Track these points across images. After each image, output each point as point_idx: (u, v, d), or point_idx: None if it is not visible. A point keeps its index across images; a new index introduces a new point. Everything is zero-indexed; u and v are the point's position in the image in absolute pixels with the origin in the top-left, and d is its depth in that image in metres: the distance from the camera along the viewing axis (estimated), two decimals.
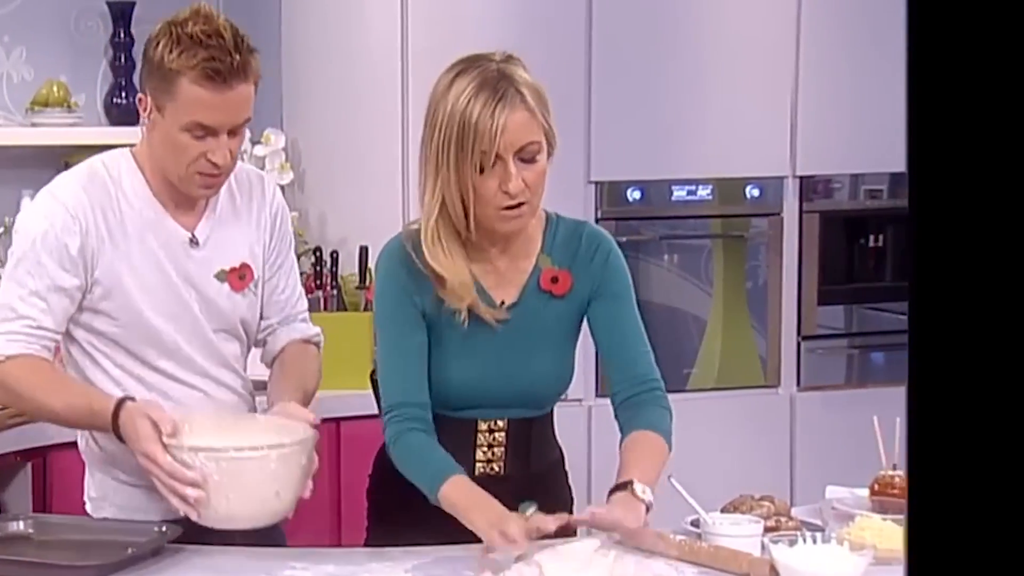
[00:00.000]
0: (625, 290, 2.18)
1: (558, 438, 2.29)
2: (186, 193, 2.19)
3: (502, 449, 2.16)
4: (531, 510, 1.97)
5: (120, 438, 2.06)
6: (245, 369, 2.32)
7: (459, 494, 2.02)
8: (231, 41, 2.08)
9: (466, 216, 2.04)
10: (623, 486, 2.02)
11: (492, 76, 2.01)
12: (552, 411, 2.25)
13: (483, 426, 2.15)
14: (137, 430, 2.01)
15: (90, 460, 2.27)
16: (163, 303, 2.18)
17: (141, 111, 2.16)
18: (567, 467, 2.31)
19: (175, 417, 2.03)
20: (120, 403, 2.06)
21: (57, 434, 2.71)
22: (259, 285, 2.28)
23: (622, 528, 2.00)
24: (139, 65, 2.23)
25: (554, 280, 2.14)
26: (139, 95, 2.17)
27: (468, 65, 2.04)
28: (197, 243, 2.21)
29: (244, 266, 2.24)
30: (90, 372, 2.20)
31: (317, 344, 2.37)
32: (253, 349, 2.36)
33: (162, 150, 2.14)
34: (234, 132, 2.12)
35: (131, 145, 2.26)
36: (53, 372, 2.17)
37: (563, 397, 2.27)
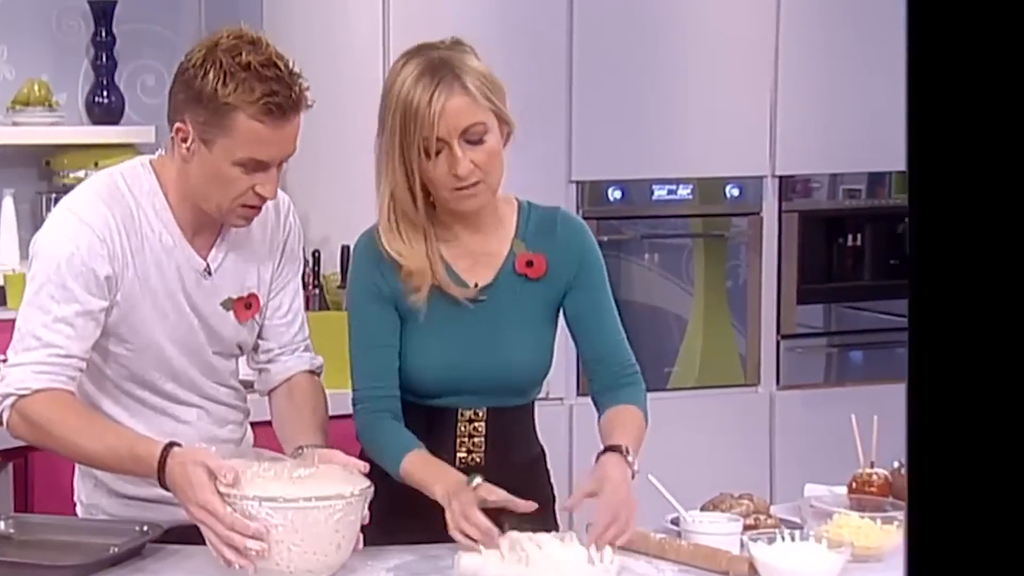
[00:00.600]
0: (601, 279, 2.21)
1: (539, 436, 2.30)
2: (224, 223, 2.11)
3: (482, 439, 2.17)
4: (476, 480, 2.00)
5: (164, 485, 1.95)
6: (238, 378, 2.30)
7: (418, 467, 2.05)
8: (286, 71, 2.00)
9: (414, 201, 2.08)
10: (613, 448, 2.06)
11: (433, 62, 2.04)
12: (532, 406, 2.25)
13: (463, 416, 2.16)
14: (190, 479, 1.90)
15: (82, 468, 2.22)
16: (174, 328, 2.12)
17: (177, 139, 2.04)
18: (548, 465, 2.32)
19: (234, 465, 1.92)
20: (167, 449, 1.95)
21: None
22: (262, 313, 2.23)
23: (607, 487, 2.00)
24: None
25: (529, 264, 2.16)
26: (177, 124, 2.03)
27: (414, 53, 2.07)
28: (210, 273, 2.14)
29: (251, 296, 2.18)
30: (90, 390, 2.14)
31: (320, 374, 2.32)
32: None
33: (205, 182, 2.04)
34: (281, 164, 2.06)
35: (116, 145, 2.22)
36: (86, 411, 2.08)
37: (545, 395, 2.28)
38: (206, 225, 2.13)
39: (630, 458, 2.05)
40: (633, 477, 2.05)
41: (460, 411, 2.16)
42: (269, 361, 2.25)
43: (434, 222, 2.13)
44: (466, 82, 2.03)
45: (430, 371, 2.14)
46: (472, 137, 2.04)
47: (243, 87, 1.97)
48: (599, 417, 2.18)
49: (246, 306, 2.17)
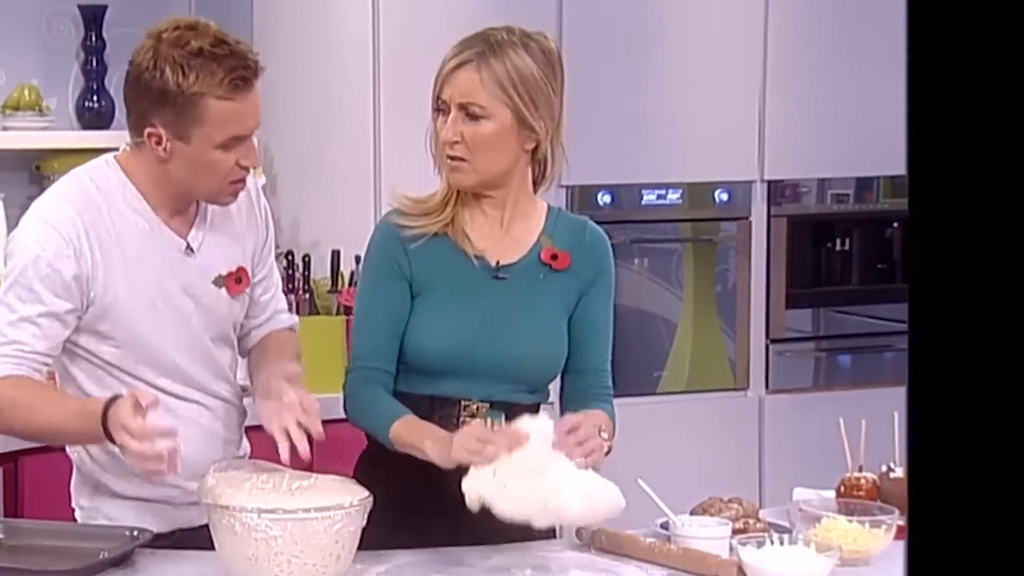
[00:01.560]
0: (610, 298, 2.26)
1: None
2: (217, 203, 2.15)
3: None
4: (500, 419, 2.01)
5: (111, 438, 1.97)
6: (235, 376, 2.31)
7: (408, 429, 2.07)
8: (236, 44, 2.04)
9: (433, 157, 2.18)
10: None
11: (482, 36, 2.14)
12: (538, 407, 2.24)
13: (466, 408, 2.15)
14: (118, 410, 1.95)
15: (83, 472, 2.22)
16: (162, 318, 2.13)
17: (150, 144, 2.05)
18: None
19: (232, 477, 1.96)
20: (112, 399, 1.99)
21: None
22: (252, 287, 2.27)
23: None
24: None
25: (554, 257, 2.20)
26: (147, 130, 2.05)
27: (482, 30, 2.17)
28: (192, 251, 2.16)
29: (240, 269, 2.21)
30: (91, 391, 2.14)
31: (296, 331, 2.39)
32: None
33: (191, 174, 2.07)
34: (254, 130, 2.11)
35: (107, 150, 2.22)
36: (47, 388, 2.12)
37: (548, 402, 2.28)
38: (182, 208, 2.16)
39: (603, 435, 2.06)
40: (609, 439, 2.08)
41: (463, 403, 2.16)
42: (251, 330, 2.32)
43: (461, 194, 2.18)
44: (491, 64, 2.10)
45: (439, 345, 2.14)
46: (469, 113, 2.10)
47: (204, 73, 2.00)
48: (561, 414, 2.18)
49: (236, 280, 2.21)
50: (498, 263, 2.18)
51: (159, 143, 2.05)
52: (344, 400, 2.19)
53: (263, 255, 2.29)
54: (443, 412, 2.15)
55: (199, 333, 2.18)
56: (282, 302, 2.37)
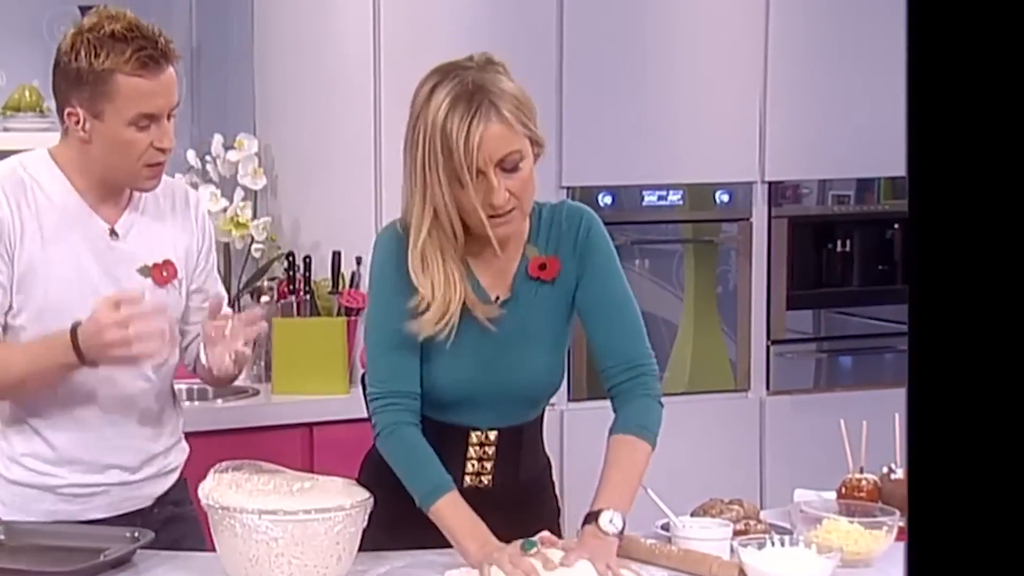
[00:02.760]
0: (608, 268, 2.14)
1: (546, 445, 2.29)
2: (135, 188, 2.23)
3: (491, 463, 2.14)
4: (535, 548, 1.95)
5: (80, 352, 2.05)
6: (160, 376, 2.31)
7: (453, 515, 2.01)
8: (148, 29, 2.15)
9: (453, 226, 2.04)
10: (592, 517, 2.01)
11: (467, 89, 1.98)
12: (542, 416, 2.24)
13: (474, 439, 2.13)
14: (93, 314, 2.04)
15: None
16: (78, 298, 2.16)
17: (71, 124, 2.16)
18: (554, 476, 2.31)
19: (234, 479, 2.00)
20: (75, 324, 2.08)
21: None
22: (183, 284, 2.30)
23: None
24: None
25: (542, 267, 2.13)
26: (67, 111, 2.16)
27: (444, 76, 2.01)
28: (117, 235, 2.23)
29: (167, 262, 2.27)
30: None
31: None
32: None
33: (108, 152, 2.16)
34: (170, 115, 2.19)
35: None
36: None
37: (551, 404, 2.27)
38: (110, 195, 2.23)
39: (610, 524, 1.99)
40: (620, 538, 2.00)
41: (471, 432, 2.13)
42: (188, 337, 2.35)
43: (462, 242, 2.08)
44: (502, 109, 1.98)
45: (447, 387, 2.11)
46: (508, 165, 2.00)
47: (114, 51, 2.12)
48: (611, 426, 2.12)
49: (163, 272, 2.26)
50: (497, 298, 2.12)
51: (78, 123, 2.16)
52: (378, 439, 2.11)
53: (200, 262, 2.33)
54: (452, 439, 2.13)
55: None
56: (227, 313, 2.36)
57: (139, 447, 2.27)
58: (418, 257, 2.05)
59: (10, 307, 2.18)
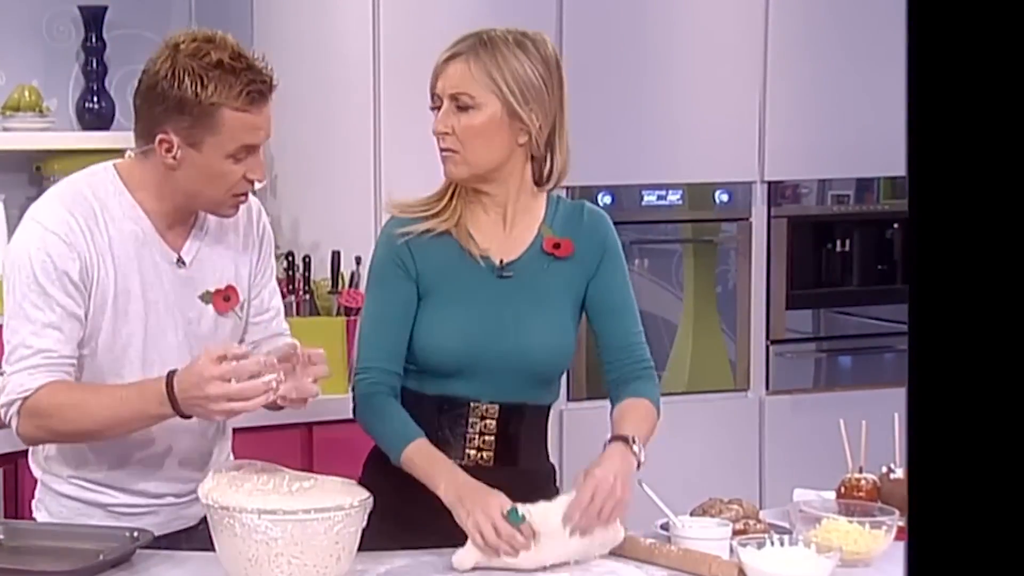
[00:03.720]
0: (623, 273, 2.27)
1: (549, 451, 2.30)
2: (218, 215, 2.17)
3: (492, 438, 2.17)
4: (524, 518, 1.99)
5: (176, 404, 1.98)
6: None
7: (423, 457, 2.09)
8: (254, 59, 2.09)
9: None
10: (620, 438, 2.10)
11: (476, 34, 2.17)
12: (547, 415, 2.26)
13: (475, 410, 2.17)
14: (193, 367, 1.97)
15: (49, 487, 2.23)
16: (145, 329, 2.13)
17: (160, 150, 2.08)
18: (558, 483, 2.32)
19: (234, 477, 1.98)
20: (171, 373, 2.01)
21: None
22: (244, 308, 2.25)
23: (595, 472, 2.04)
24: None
25: (556, 246, 2.21)
26: (159, 137, 2.07)
27: (487, 29, 2.20)
28: (184, 263, 2.17)
29: (229, 288, 2.20)
30: None
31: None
32: None
33: (199, 182, 2.09)
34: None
35: (107, 150, 2.23)
36: (88, 386, 2.11)
37: (556, 403, 2.29)
38: (178, 221, 2.17)
39: (635, 447, 2.09)
40: (639, 467, 2.08)
41: (472, 404, 2.16)
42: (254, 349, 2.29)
43: (463, 192, 2.20)
44: (480, 56, 2.14)
45: (448, 346, 2.15)
46: (460, 104, 2.13)
47: (222, 85, 2.04)
48: (611, 409, 2.21)
49: (224, 298, 2.20)
50: (502, 261, 2.19)
51: (170, 150, 2.08)
52: (354, 407, 2.20)
53: (261, 276, 2.28)
54: (452, 412, 2.16)
55: (182, 351, 2.15)
56: (285, 328, 2.34)
57: (189, 476, 2.23)
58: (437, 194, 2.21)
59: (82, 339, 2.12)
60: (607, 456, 2.08)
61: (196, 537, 2.21)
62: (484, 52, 2.14)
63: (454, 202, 2.19)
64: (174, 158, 2.08)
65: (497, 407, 2.17)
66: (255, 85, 2.06)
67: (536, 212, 2.23)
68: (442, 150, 2.16)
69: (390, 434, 2.13)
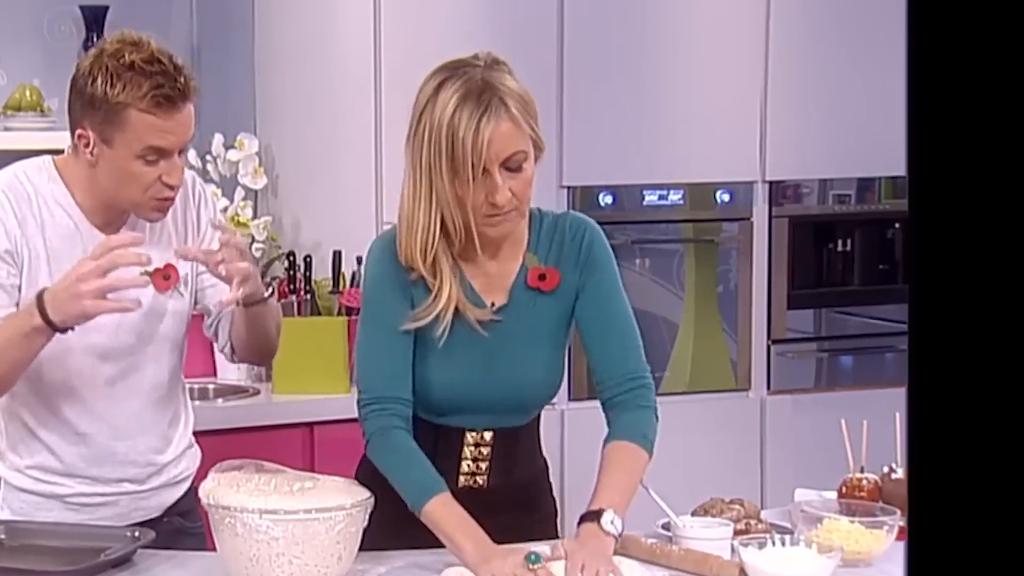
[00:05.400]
0: (610, 283, 2.14)
1: (543, 446, 2.29)
2: (142, 218, 2.19)
3: (487, 464, 2.14)
4: (538, 562, 1.93)
5: (47, 316, 2.00)
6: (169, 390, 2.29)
7: (446, 515, 2.00)
8: (170, 64, 2.11)
9: (455, 225, 2.03)
10: (592, 516, 2.00)
11: (476, 86, 1.98)
12: (538, 418, 2.23)
13: (469, 439, 2.13)
14: (67, 273, 2.01)
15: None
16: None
17: (80, 146, 2.13)
18: (551, 477, 2.31)
19: (233, 477, 1.98)
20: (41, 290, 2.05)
21: None
22: (190, 285, 2.27)
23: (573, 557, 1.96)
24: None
25: (541, 277, 2.12)
26: (78, 132, 2.13)
27: (452, 73, 2.01)
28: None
29: (168, 266, 2.19)
30: (15, 409, 2.20)
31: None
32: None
33: (113, 181, 2.13)
34: (182, 151, 2.16)
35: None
36: None
37: (551, 403, 2.27)
38: (111, 219, 2.20)
39: (609, 521, 1.98)
40: (618, 540, 2.00)
41: (466, 433, 2.13)
42: (218, 320, 2.33)
43: (453, 243, 2.08)
44: (511, 108, 1.98)
45: (441, 391, 2.10)
46: (512, 165, 2.00)
47: (130, 85, 2.08)
48: (604, 439, 2.12)
49: (164, 277, 2.18)
50: (493, 304, 2.11)
51: (87, 145, 2.13)
52: (368, 444, 2.11)
53: (204, 244, 2.26)
54: (447, 440, 2.13)
55: (122, 330, 2.18)
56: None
57: (147, 460, 2.26)
58: (429, 255, 2.05)
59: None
60: (580, 540, 1.98)
61: (161, 530, 2.19)
62: (508, 99, 1.99)
63: (453, 287, 2.06)
64: (91, 154, 2.13)
65: (492, 433, 2.14)
66: (162, 89, 2.08)
67: (521, 236, 2.13)
68: (496, 215, 2.01)
69: (412, 483, 2.04)
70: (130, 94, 2.07)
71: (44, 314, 2.02)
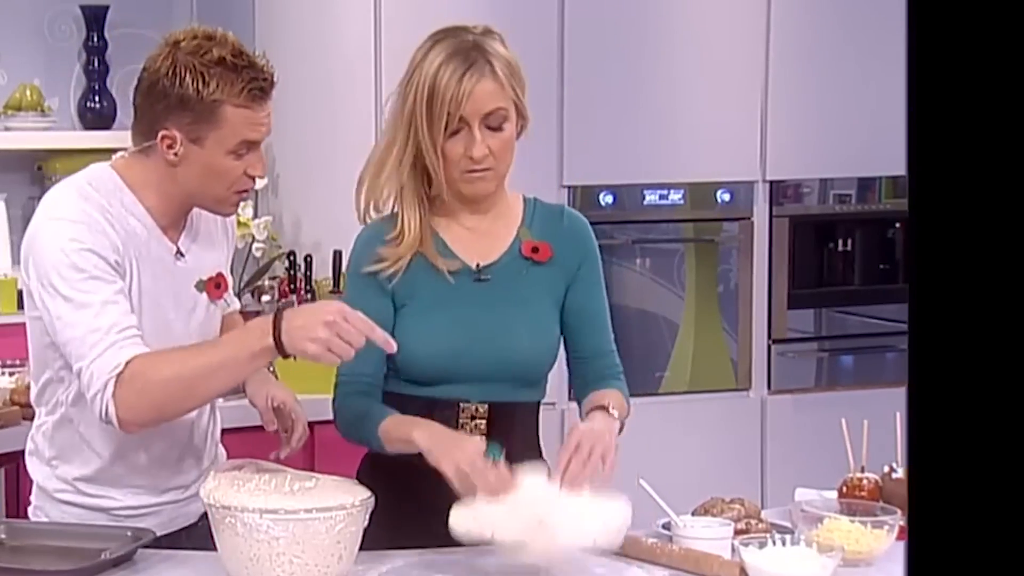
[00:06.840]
0: (600, 281, 2.24)
1: (542, 447, 2.29)
2: (220, 213, 2.19)
3: (483, 438, 2.15)
4: (498, 458, 1.98)
5: (281, 344, 1.95)
6: None
7: (395, 423, 2.08)
8: (254, 56, 2.11)
9: (424, 175, 2.13)
10: (597, 408, 2.11)
11: (465, 46, 2.09)
12: (537, 413, 2.24)
13: (464, 411, 2.15)
14: (313, 307, 2.04)
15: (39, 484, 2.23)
16: (147, 321, 2.11)
17: (162, 147, 2.08)
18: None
19: (234, 477, 1.99)
20: (278, 311, 2.01)
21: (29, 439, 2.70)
22: (230, 293, 2.31)
23: (579, 426, 2.06)
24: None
25: (535, 250, 2.19)
26: (161, 133, 2.08)
27: (445, 35, 2.13)
28: (183, 255, 2.18)
29: (219, 275, 2.24)
30: (72, 415, 2.16)
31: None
32: None
33: (198, 179, 2.10)
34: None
35: (109, 150, 2.25)
36: (174, 347, 2.07)
37: (551, 403, 2.27)
38: (176, 219, 2.19)
39: (614, 412, 2.10)
40: (620, 432, 2.09)
41: (461, 406, 2.15)
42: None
43: (433, 200, 2.16)
44: (496, 67, 2.09)
45: (431, 354, 2.13)
46: (492, 123, 2.09)
47: (223, 82, 2.05)
48: (579, 407, 2.20)
49: (216, 285, 2.23)
50: (478, 265, 2.17)
51: (171, 146, 2.09)
52: (335, 416, 2.18)
53: (231, 263, 2.35)
54: (441, 415, 2.14)
55: (182, 341, 2.14)
56: (237, 304, 2.45)
57: (195, 464, 2.25)
58: (391, 198, 2.14)
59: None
60: (588, 418, 2.10)
61: (196, 535, 2.21)
62: (495, 60, 2.09)
63: (420, 229, 2.14)
64: (176, 155, 2.09)
65: (487, 407, 2.15)
66: (256, 83, 2.07)
67: (513, 213, 2.21)
68: (474, 171, 2.10)
69: (365, 423, 2.10)
70: (225, 91, 2.05)
71: (278, 338, 1.96)
